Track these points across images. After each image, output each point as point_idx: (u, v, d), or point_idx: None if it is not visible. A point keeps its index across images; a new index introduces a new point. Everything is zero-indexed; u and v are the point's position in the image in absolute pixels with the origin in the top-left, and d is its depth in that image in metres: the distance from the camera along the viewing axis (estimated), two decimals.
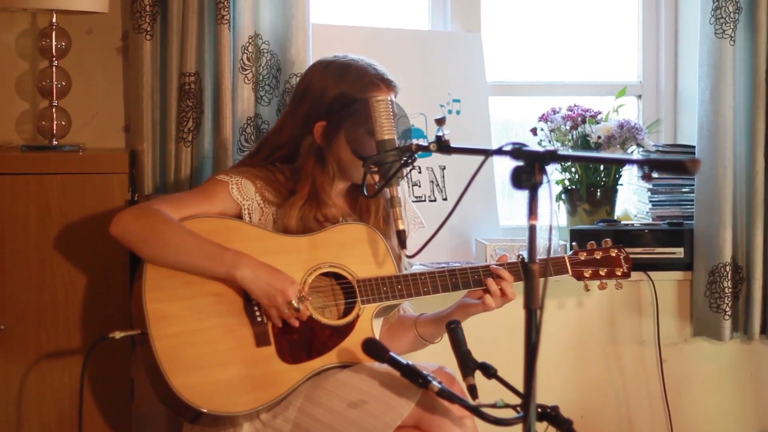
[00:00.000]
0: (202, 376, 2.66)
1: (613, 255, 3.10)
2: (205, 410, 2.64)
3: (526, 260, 2.92)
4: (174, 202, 2.80)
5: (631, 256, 3.09)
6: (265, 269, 2.70)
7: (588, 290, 3.09)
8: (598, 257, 3.08)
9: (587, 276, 3.07)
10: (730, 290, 3.68)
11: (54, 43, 3.30)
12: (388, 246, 2.90)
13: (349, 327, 2.81)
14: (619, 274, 3.09)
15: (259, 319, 2.73)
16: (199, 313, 2.70)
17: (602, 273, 3.08)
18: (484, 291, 2.91)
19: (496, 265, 2.93)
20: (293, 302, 2.69)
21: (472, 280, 2.92)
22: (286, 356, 2.73)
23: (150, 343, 2.65)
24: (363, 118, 2.75)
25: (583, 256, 3.07)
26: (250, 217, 2.83)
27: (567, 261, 3.05)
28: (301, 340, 2.75)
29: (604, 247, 3.10)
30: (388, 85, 2.88)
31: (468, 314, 2.95)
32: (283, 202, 2.85)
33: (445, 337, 2.70)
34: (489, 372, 2.52)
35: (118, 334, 2.70)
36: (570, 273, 3.05)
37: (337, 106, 2.83)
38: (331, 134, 2.85)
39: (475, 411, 2.42)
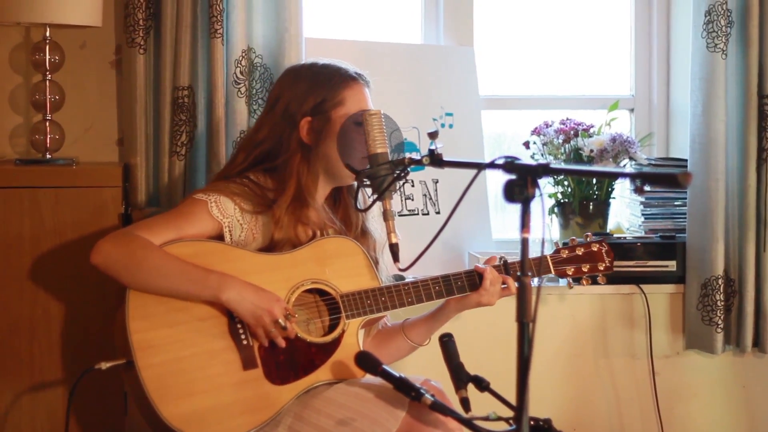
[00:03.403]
0: (191, 403, 2.65)
1: (595, 249, 3.04)
2: None
3: (507, 261, 2.93)
4: (153, 227, 2.74)
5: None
6: (250, 289, 2.68)
7: (572, 287, 3.04)
8: (580, 253, 3.02)
9: (570, 274, 3.01)
10: (722, 303, 3.68)
11: (47, 57, 3.31)
12: (369, 257, 2.88)
13: (336, 343, 2.79)
14: (602, 268, 3.03)
15: (244, 342, 2.71)
16: (184, 339, 2.68)
17: (585, 269, 3.02)
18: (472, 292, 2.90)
19: (482, 266, 2.91)
20: (280, 321, 2.68)
21: (456, 286, 2.90)
22: (273, 377, 2.72)
23: (137, 373, 2.63)
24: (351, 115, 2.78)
25: (565, 253, 3.02)
26: (231, 234, 2.80)
27: (549, 260, 3.01)
28: (288, 360, 2.73)
29: (586, 242, 3.04)
30: (361, 77, 2.90)
31: (462, 307, 2.92)
32: (266, 209, 2.82)
33: (437, 349, 2.68)
34: (482, 385, 2.52)
35: (104, 365, 2.68)
36: (552, 272, 3.01)
37: (321, 104, 2.84)
38: (319, 129, 2.84)
39: (468, 424, 2.41)
